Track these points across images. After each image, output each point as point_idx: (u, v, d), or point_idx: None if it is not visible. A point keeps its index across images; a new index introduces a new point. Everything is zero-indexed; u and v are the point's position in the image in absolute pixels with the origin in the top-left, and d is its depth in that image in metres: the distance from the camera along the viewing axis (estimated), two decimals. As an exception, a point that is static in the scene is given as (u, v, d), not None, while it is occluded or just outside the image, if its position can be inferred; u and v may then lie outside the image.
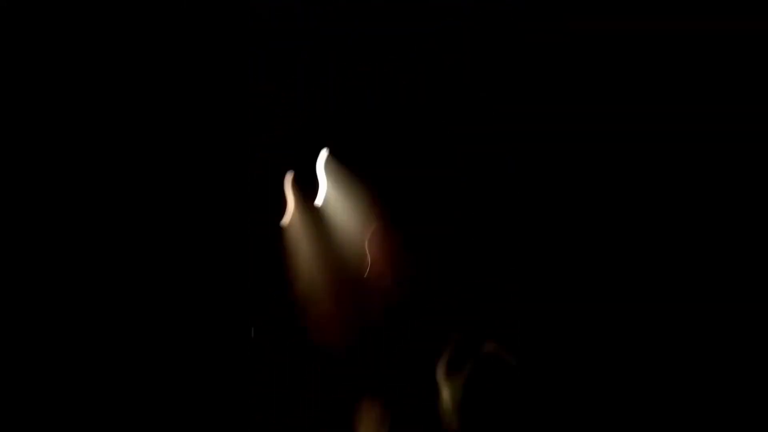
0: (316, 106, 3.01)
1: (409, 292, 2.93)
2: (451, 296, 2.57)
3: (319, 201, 3.87)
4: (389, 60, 2.76)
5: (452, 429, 1.95)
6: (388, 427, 2.60)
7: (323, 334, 2.87)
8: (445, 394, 1.96)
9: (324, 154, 3.83)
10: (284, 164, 3.24)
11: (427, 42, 2.69)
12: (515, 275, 2.57)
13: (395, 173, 2.82)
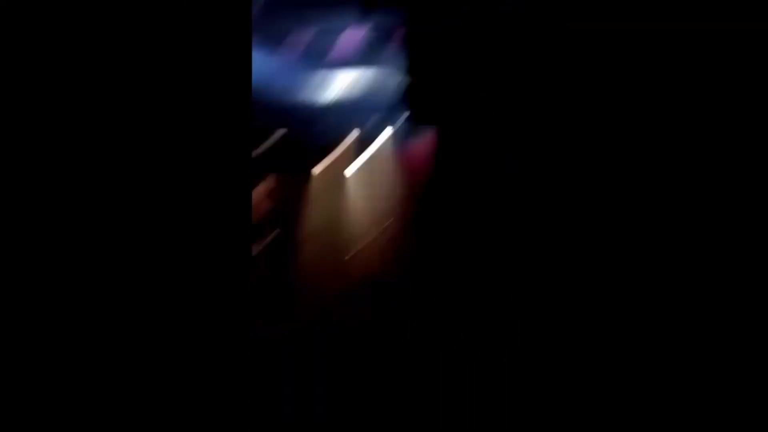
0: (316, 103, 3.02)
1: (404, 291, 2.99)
2: (452, 296, 2.58)
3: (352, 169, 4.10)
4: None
5: None
6: None
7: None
8: None
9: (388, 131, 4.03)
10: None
11: (427, 42, 2.70)
12: (515, 275, 2.57)
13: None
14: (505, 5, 2.56)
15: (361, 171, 5.83)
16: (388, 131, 5.65)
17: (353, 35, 4.51)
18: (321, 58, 5.08)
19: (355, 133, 5.70)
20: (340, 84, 5.07)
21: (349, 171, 5.71)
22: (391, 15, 3.05)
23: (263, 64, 5.32)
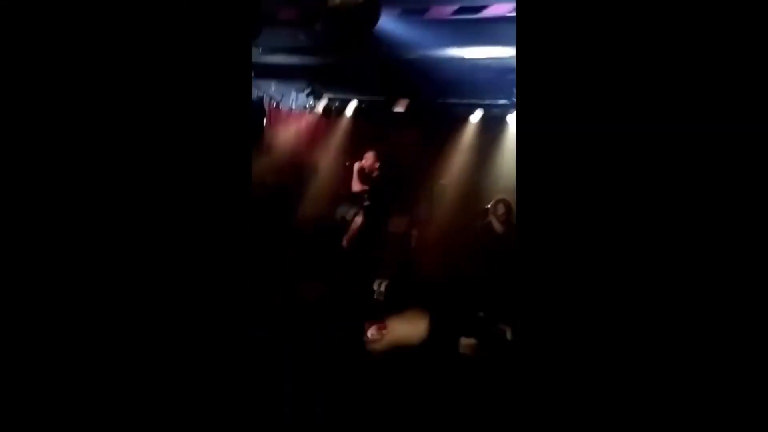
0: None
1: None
2: (452, 296, 2.58)
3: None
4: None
5: None
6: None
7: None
8: None
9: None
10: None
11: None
12: (515, 275, 2.55)
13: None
14: None
15: (489, 143, 6.00)
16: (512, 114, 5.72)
17: (499, 9, 4.45)
18: (463, 30, 5.03)
19: (479, 113, 5.76)
20: (479, 56, 5.05)
21: (478, 141, 5.86)
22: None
23: (406, 30, 5.32)
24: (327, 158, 7.11)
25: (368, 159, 5.96)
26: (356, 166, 5.95)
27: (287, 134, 7.19)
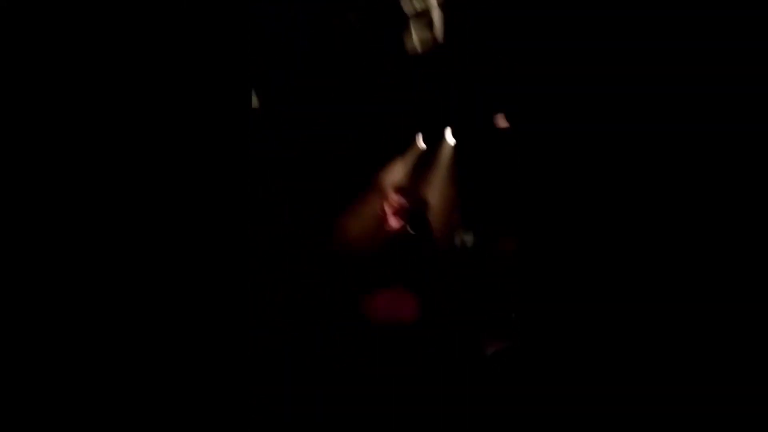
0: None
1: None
2: (452, 297, 2.58)
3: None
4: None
5: None
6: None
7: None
8: None
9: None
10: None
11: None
12: (515, 275, 2.57)
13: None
14: None
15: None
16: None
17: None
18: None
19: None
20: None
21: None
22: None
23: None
24: (437, 189, 6.91)
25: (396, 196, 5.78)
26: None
27: (396, 176, 7.04)
